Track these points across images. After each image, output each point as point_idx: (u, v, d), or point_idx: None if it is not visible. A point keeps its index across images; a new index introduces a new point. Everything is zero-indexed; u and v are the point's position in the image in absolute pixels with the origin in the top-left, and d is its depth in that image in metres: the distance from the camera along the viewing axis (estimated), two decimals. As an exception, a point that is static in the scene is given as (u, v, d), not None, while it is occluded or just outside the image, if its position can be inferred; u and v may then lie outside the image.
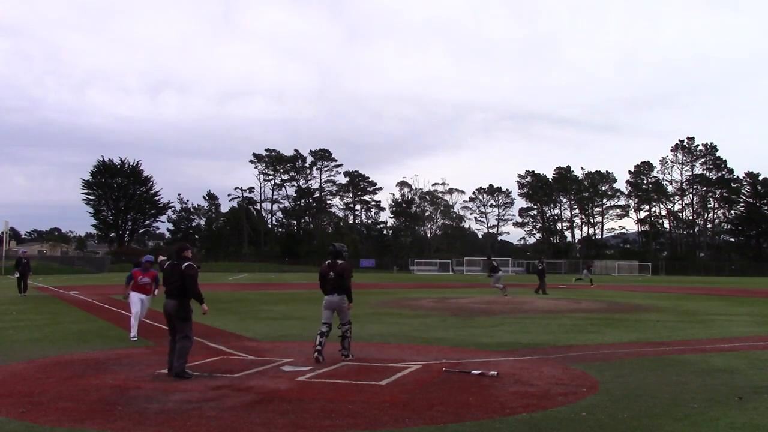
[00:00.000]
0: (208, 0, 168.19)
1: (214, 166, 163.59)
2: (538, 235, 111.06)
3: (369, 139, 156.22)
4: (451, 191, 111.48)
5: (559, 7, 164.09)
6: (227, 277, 53.88)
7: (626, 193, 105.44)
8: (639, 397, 6.66)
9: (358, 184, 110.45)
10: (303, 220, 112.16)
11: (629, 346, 10.73)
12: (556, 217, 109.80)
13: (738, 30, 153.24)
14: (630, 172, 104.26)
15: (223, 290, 29.87)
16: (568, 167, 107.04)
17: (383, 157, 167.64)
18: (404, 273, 73.65)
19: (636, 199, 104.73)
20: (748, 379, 7.75)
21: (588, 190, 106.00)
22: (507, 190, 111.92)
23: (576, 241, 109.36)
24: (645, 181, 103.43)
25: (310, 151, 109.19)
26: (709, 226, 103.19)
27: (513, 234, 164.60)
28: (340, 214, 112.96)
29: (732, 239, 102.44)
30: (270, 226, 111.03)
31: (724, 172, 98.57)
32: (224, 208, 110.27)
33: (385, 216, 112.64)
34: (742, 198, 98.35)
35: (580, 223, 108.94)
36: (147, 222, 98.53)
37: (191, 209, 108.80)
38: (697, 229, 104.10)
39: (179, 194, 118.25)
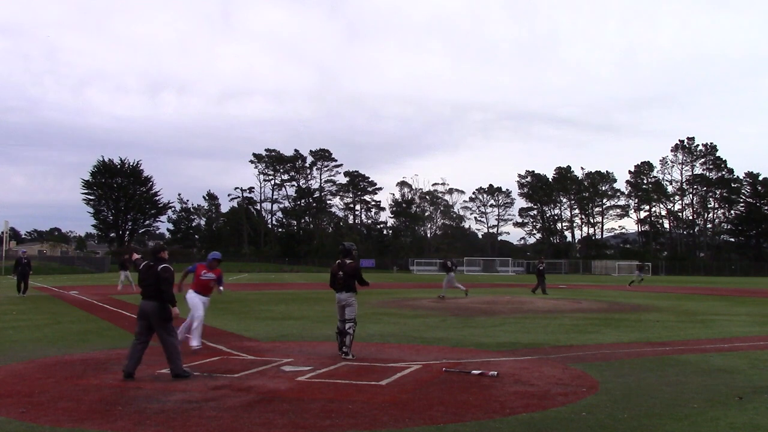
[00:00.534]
0: (206, 0, 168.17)
1: (214, 166, 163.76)
2: (538, 235, 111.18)
3: (368, 138, 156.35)
4: (451, 191, 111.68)
5: (559, 6, 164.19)
6: (227, 277, 53.91)
7: (626, 193, 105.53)
8: (639, 397, 6.66)
9: (358, 184, 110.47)
10: (303, 220, 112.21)
11: (629, 346, 10.73)
12: (556, 217, 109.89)
13: (738, 30, 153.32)
14: (630, 172, 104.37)
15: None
16: (568, 167, 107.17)
17: (383, 157, 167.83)
18: (404, 273, 73.65)
19: (636, 199, 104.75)
20: (748, 379, 7.75)
21: (588, 190, 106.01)
22: (507, 190, 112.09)
23: (576, 241, 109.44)
24: (645, 181, 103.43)
25: (310, 151, 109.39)
26: (709, 226, 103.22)
27: (513, 234, 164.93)
28: (340, 214, 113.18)
29: (732, 239, 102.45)
30: (270, 226, 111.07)
31: (724, 172, 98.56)
32: (224, 208, 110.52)
33: (385, 216, 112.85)
34: (742, 198, 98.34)
35: (580, 223, 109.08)
36: (147, 222, 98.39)
37: (191, 209, 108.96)
38: (697, 229, 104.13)
39: (179, 194, 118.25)
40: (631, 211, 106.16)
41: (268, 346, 10.50)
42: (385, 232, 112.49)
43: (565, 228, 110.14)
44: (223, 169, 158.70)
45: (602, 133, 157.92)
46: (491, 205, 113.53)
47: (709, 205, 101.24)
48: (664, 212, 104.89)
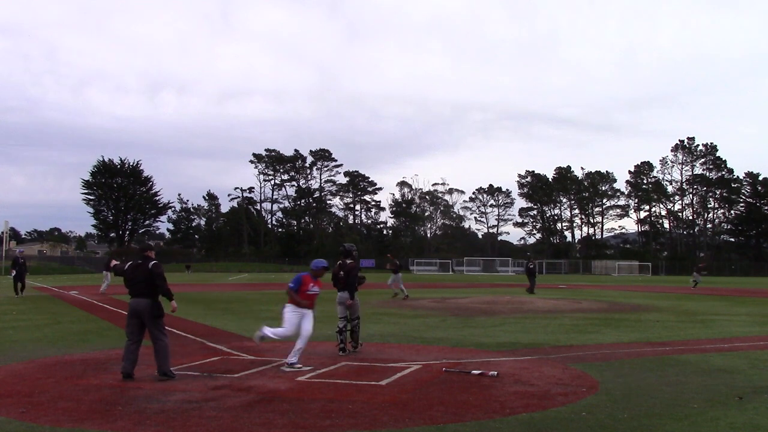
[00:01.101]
0: (206, 0, 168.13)
1: (214, 166, 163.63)
2: (538, 235, 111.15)
3: (368, 138, 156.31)
4: (451, 191, 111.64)
5: (558, 6, 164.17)
6: (227, 277, 53.89)
7: (626, 193, 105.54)
8: (639, 397, 6.66)
9: (358, 184, 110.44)
10: (303, 220, 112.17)
11: (629, 346, 10.73)
12: (556, 217, 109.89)
13: (738, 30, 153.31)
14: (630, 172, 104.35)
15: (223, 290, 29.88)
16: (568, 167, 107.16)
17: (383, 157, 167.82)
18: (404, 273, 73.66)
19: (636, 199, 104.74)
20: (748, 379, 7.75)
21: (588, 190, 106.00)
22: (507, 190, 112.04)
23: (576, 241, 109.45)
24: (645, 181, 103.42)
25: (310, 151, 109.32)
26: (709, 226, 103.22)
27: (513, 234, 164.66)
28: (340, 214, 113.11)
29: (732, 239, 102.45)
30: (270, 226, 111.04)
31: (724, 172, 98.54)
32: (224, 208, 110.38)
33: (385, 216, 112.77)
34: (742, 198, 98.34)
35: (580, 223, 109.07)
36: (147, 222, 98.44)
37: (191, 209, 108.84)
38: (697, 229, 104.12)
39: (179, 194, 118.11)
40: (631, 211, 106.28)
41: (268, 346, 10.49)
42: (385, 232, 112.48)
43: (565, 228, 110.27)
44: (223, 169, 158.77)
45: (602, 133, 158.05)
46: (491, 205, 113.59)
47: (709, 205, 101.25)
48: (664, 212, 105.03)
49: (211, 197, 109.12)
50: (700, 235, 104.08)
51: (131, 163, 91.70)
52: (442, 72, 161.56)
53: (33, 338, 11.56)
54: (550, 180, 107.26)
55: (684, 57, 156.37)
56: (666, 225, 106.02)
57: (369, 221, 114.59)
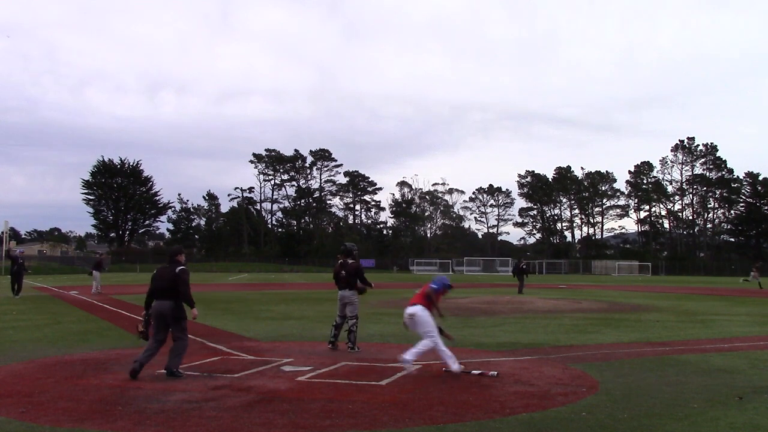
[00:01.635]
0: (206, 0, 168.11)
1: (214, 166, 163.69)
2: (538, 235, 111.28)
3: (368, 138, 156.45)
4: (451, 191, 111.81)
5: (558, 6, 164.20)
6: (227, 277, 53.91)
7: (626, 193, 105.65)
8: (639, 397, 6.66)
9: (358, 184, 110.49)
10: (303, 220, 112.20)
11: (629, 346, 10.73)
12: (556, 217, 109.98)
13: (738, 30, 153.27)
14: (630, 172, 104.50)
15: (223, 290, 29.88)
16: (568, 167, 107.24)
17: (383, 157, 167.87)
18: (404, 273, 73.65)
19: (636, 199, 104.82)
20: (748, 379, 7.75)
21: (588, 190, 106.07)
22: (507, 190, 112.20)
23: (576, 241, 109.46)
24: (645, 181, 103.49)
25: (310, 151, 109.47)
26: (709, 226, 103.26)
27: (513, 234, 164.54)
28: (340, 214, 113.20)
29: (732, 239, 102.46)
30: (270, 226, 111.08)
31: (724, 172, 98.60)
32: (224, 208, 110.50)
33: (385, 216, 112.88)
34: (742, 198, 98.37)
35: (580, 223, 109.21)
36: (147, 222, 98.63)
37: (191, 209, 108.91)
38: (697, 229, 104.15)
39: (179, 194, 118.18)
40: (631, 211, 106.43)
41: (268, 346, 10.50)
42: (385, 232, 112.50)
43: (565, 228, 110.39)
44: (223, 169, 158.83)
45: (602, 133, 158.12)
46: (491, 205, 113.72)
47: (709, 205, 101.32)
48: (664, 212, 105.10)
49: (211, 197, 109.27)
50: (700, 235, 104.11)
51: (131, 163, 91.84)
52: (441, 72, 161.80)
53: (33, 338, 11.55)
54: (550, 180, 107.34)
55: (684, 57, 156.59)
56: (666, 225, 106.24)
57: (369, 221, 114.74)
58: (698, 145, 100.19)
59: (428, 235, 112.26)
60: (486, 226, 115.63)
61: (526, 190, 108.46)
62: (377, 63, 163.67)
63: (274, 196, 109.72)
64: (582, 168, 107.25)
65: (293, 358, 9.16)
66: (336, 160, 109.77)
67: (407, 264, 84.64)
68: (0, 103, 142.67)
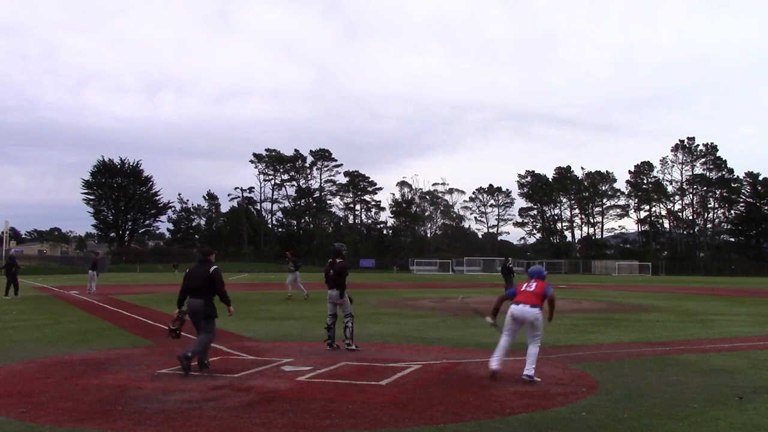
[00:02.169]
0: (205, 0, 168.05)
1: (214, 166, 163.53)
2: (538, 235, 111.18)
3: (368, 138, 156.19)
4: (451, 191, 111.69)
5: (558, 6, 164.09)
6: (227, 277, 53.86)
7: (626, 193, 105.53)
8: (639, 397, 6.66)
9: (358, 184, 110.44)
10: (303, 220, 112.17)
11: (629, 346, 10.73)
12: (556, 217, 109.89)
13: (738, 30, 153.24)
14: (630, 172, 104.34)
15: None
16: (568, 167, 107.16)
17: (383, 157, 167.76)
18: (404, 273, 73.64)
19: (636, 199, 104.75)
20: (748, 379, 7.75)
21: (588, 190, 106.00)
22: (507, 190, 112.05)
23: (576, 241, 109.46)
24: (645, 181, 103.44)
25: (310, 151, 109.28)
26: (709, 226, 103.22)
27: (513, 234, 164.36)
28: (340, 214, 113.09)
29: (732, 239, 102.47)
30: (270, 226, 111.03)
31: (724, 172, 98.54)
32: (224, 208, 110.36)
33: (385, 216, 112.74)
34: (742, 198, 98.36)
35: (580, 223, 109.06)
36: (147, 222, 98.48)
37: (191, 209, 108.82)
38: (697, 229, 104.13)
39: (179, 194, 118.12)
40: (631, 211, 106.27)
41: (268, 346, 10.50)
42: (385, 232, 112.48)
43: (565, 228, 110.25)
44: (223, 169, 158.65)
45: (602, 133, 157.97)
46: (491, 205, 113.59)
47: (709, 205, 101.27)
48: (664, 212, 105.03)
49: (211, 197, 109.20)
50: (700, 235, 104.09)
51: (131, 163, 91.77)
52: (441, 72, 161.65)
53: (33, 338, 11.55)
54: (550, 180, 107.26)
55: (684, 57, 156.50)
56: (666, 225, 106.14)
57: (369, 221, 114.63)
58: (698, 145, 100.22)
59: (428, 235, 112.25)
60: (486, 226, 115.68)
61: (526, 190, 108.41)
62: (377, 63, 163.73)
63: (274, 196, 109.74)
64: (582, 168, 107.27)
65: (293, 358, 9.16)
66: (336, 160, 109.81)
67: (407, 264, 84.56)
68: (0, 103, 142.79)
